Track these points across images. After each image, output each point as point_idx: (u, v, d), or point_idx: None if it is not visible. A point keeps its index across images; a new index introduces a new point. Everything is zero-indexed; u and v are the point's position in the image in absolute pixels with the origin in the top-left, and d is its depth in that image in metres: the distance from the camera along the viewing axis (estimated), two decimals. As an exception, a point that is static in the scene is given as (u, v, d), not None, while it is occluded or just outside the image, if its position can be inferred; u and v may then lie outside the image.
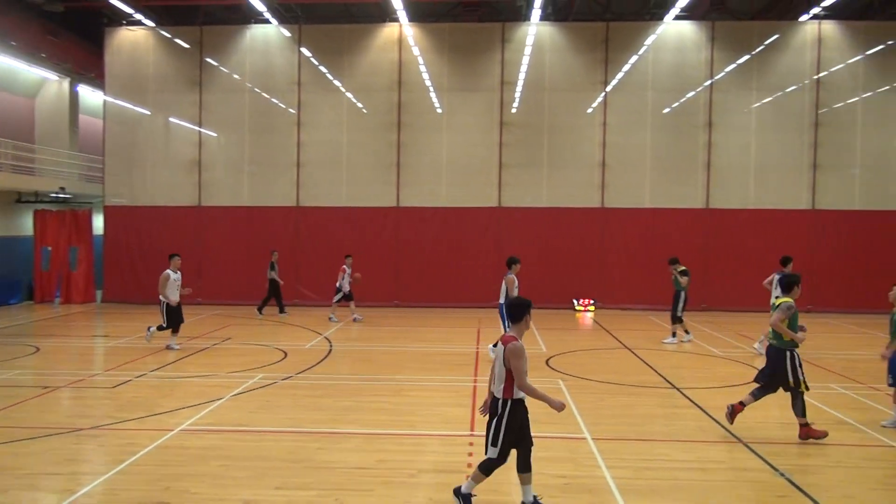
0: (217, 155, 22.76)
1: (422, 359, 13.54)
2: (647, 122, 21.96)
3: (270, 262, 19.43)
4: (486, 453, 5.97)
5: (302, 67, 22.31)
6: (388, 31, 22.20)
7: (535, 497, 6.05)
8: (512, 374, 5.82)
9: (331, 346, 14.75)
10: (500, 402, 5.91)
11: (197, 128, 22.59)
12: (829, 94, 21.63)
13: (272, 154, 22.52)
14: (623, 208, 21.90)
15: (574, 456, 7.59)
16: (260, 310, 19.52)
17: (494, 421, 5.92)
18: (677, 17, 21.48)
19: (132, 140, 22.86)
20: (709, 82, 21.72)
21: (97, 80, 24.67)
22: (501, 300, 12.78)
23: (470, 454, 7.60)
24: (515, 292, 12.42)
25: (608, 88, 21.87)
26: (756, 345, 14.45)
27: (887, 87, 21.59)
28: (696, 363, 13.50)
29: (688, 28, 21.91)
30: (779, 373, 8.36)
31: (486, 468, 5.98)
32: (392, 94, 22.13)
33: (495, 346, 12.84)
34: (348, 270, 18.52)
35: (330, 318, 18.73)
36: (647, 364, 13.03)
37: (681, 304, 15.44)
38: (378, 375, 11.86)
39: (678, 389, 10.89)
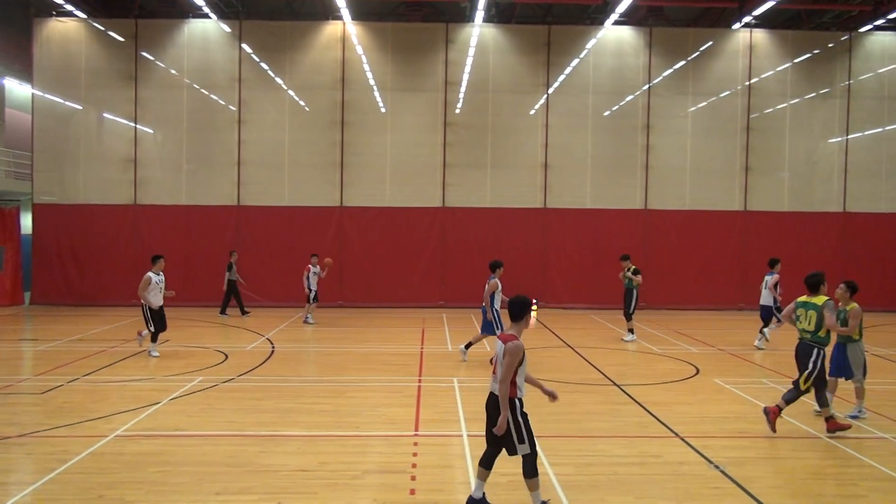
0: (153, 152, 22.11)
1: (365, 359, 13.47)
2: (588, 125, 22.39)
3: (228, 263, 19.23)
4: (518, 453, 5.94)
5: (243, 64, 21.89)
6: (332, 28, 21.99)
7: (483, 496, 6.07)
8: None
9: (273, 347, 14.52)
10: (509, 401, 5.91)
11: (132, 124, 21.88)
12: (759, 100, 22.49)
13: (212, 152, 22.03)
14: (565, 209, 22.27)
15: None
16: (223, 311, 19.47)
17: (511, 422, 5.89)
18: (616, 23, 21.99)
19: (63, 136, 21.99)
20: (647, 86, 22.29)
21: (25, 73, 23.62)
22: (484, 303, 12.77)
23: (414, 454, 7.60)
24: (498, 297, 12.45)
25: (550, 91, 22.21)
26: (767, 328, 15.15)
27: (813, 94, 22.60)
28: (636, 360, 13.82)
29: (626, 33, 22.44)
30: (802, 364, 8.59)
31: (532, 468, 5.94)
32: (335, 93, 21.94)
33: (467, 347, 12.90)
34: (313, 269, 18.00)
35: (306, 320, 18.34)
36: (589, 362, 13.28)
37: (633, 303, 15.80)
38: (321, 377, 11.74)
39: (619, 386, 11.14)
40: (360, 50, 21.98)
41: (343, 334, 16.82)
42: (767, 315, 15.12)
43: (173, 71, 21.95)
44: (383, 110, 22.21)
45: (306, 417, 9.16)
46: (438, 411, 9.48)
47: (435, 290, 21.78)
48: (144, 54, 21.81)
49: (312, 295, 18.04)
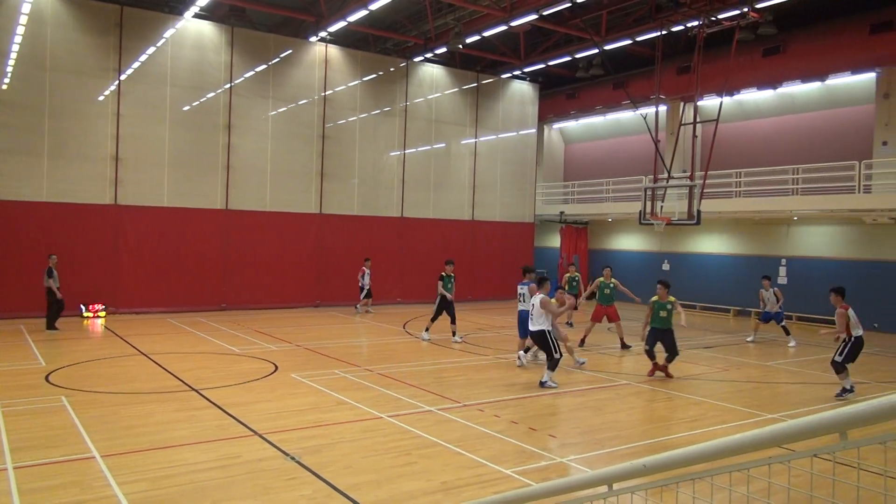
0: None
1: None
2: (165, 118, 21.22)
3: (48, 268, 16.67)
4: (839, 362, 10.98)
5: None
6: None
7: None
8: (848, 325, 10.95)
9: None
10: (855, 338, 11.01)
11: None
12: (333, 111, 24.28)
13: None
14: (139, 206, 20.74)
15: (81, 479, 6.87)
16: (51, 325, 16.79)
17: (848, 346, 10.91)
18: (197, 16, 21.34)
19: None
20: (228, 85, 22.13)
21: None
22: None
23: (-60, 501, 6.21)
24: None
25: (122, 77, 20.43)
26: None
27: (378, 111, 25.34)
28: (214, 363, 13.60)
29: (208, 28, 21.94)
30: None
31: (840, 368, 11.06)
32: None
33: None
34: (367, 271, 22.29)
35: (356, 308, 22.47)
36: (166, 369, 12.62)
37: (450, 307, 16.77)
38: None
39: (197, 391, 10.84)
40: None
41: None
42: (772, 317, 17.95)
43: None
44: None
45: None
46: (-25, 444, 7.94)
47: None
48: None
49: (365, 291, 22.29)
